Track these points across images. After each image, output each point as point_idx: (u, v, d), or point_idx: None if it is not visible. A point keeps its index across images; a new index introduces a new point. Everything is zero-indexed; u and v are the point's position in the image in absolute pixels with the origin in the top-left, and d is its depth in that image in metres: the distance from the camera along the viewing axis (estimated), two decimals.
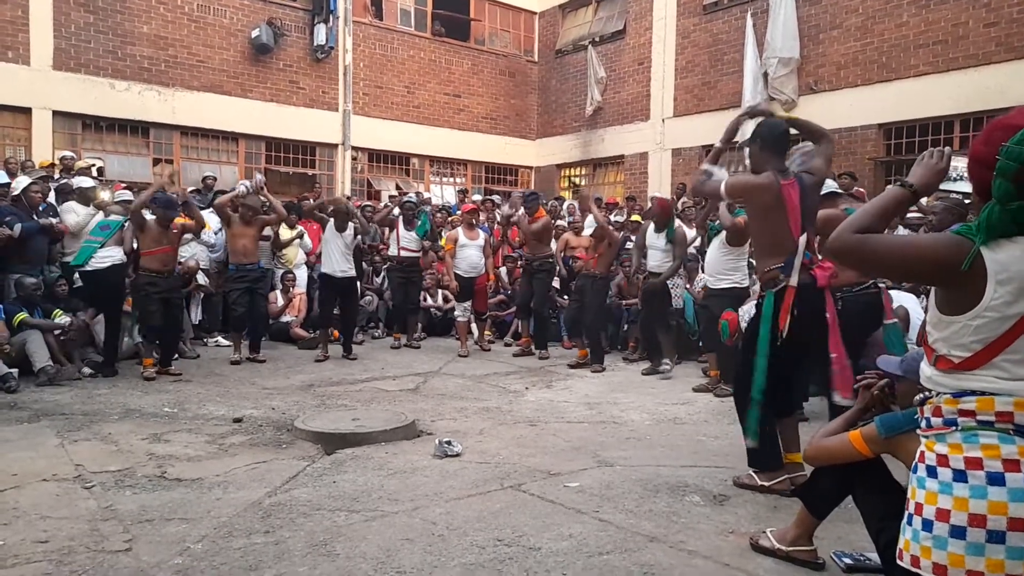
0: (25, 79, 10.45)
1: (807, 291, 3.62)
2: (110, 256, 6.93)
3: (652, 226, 7.37)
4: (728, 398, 6.03)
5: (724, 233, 6.40)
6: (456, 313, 8.63)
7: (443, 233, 10.76)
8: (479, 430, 4.98)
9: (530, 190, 8.99)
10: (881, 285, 4.75)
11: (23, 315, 6.43)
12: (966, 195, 4.85)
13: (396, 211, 9.59)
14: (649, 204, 11.11)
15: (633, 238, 8.21)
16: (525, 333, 8.71)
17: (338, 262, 7.98)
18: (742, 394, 3.78)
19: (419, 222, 8.90)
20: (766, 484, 3.73)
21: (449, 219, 10.98)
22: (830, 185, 4.84)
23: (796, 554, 2.84)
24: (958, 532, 1.64)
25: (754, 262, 4.92)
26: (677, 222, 7.34)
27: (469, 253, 8.44)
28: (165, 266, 6.82)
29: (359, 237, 8.64)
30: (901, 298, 6.00)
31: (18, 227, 6.68)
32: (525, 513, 3.39)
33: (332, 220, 8.06)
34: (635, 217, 9.69)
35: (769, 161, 3.73)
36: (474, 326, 8.97)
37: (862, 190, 8.13)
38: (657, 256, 7.25)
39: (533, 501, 3.57)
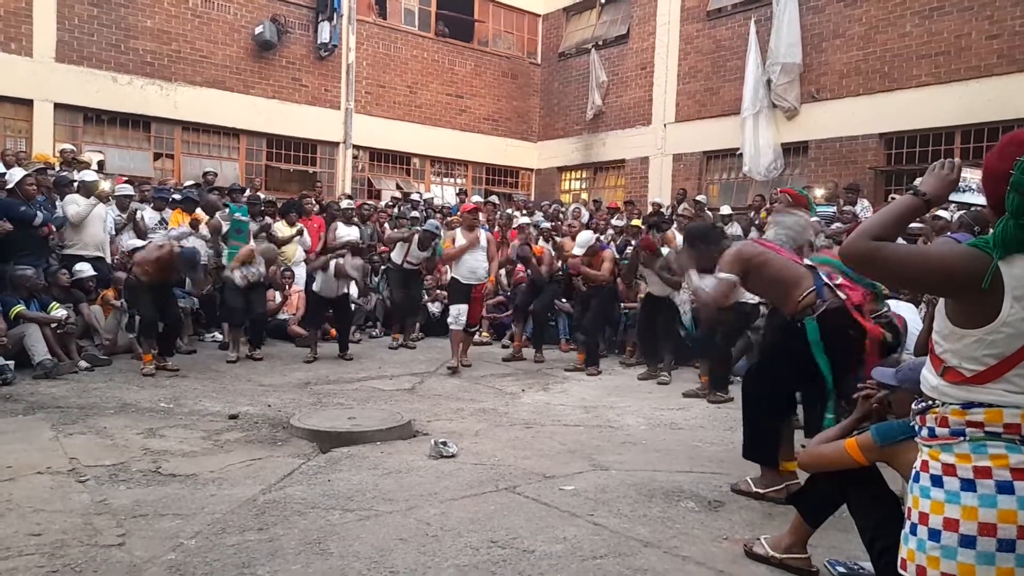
0: (27, 71, 10.45)
1: (841, 313, 3.59)
2: None
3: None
4: (724, 404, 6.07)
5: None
6: (449, 320, 7.60)
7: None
8: (475, 431, 4.97)
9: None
10: (892, 315, 4.75)
11: (20, 307, 6.42)
12: (976, 207, 4.85)
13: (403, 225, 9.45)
14: (649, 208, 11.13)
15: (633, 242, 8.17)
16: (519, 337, 8.64)
17: (333, 289, 7.89)
18: (762, 408, 3.77)
19: (434, 247, 8.74)
20: (761, 492, 3.73)
21: (447, 220, 10.95)
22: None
23: (790, 562, 2.84)
24: (968, 541, 1.63)
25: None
26: (667, 251, 7.17)
27: (467, 258, 7.47)
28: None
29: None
30: (899, 307, 5.99)
31: (39, 217, 6.93)
32: (519, 515, 3.39)
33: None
34: (635, 222, 9.69)
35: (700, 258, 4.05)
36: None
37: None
38: (656, 280, 7.10)
39: (528, 503, 3.57)
